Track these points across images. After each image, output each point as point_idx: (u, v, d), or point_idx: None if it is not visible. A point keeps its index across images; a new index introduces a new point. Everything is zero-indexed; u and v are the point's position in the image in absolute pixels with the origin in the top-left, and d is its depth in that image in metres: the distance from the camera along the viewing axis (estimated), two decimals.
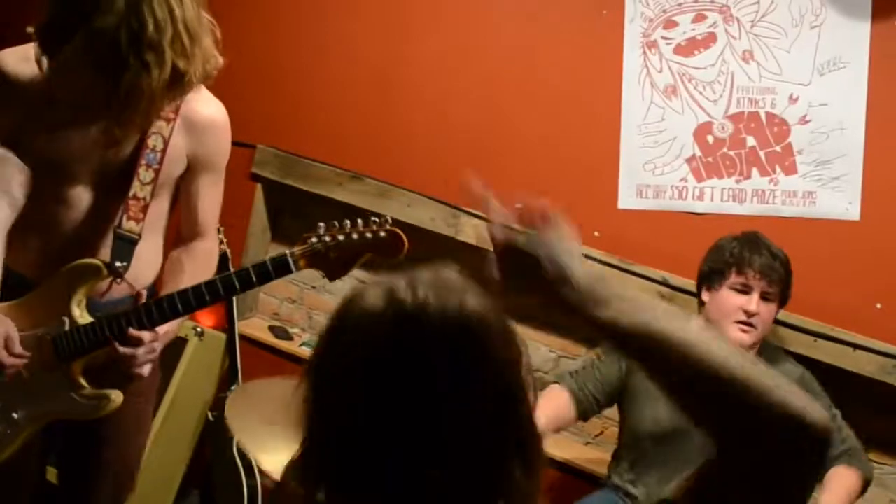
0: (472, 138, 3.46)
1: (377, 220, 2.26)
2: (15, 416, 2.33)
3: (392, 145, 3.57)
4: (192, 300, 2.26)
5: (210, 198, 2.45)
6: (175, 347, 3.52)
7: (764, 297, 2.74)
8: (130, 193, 2.27)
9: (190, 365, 3.63)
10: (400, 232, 2.26)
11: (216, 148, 2.42)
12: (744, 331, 2.75)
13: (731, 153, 3.18)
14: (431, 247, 3.59)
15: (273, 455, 2.19)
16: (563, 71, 3.33)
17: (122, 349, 2.24)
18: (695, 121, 3.21)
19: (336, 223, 2.28)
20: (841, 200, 3.09)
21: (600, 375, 2.94)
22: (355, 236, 2.25)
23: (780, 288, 2.74)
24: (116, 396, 2.34)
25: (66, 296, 2.28)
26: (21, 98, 2.19)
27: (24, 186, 2.25)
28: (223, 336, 3.69)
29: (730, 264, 2.78)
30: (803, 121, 3.11)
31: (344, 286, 3.83)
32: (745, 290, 2.75)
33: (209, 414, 3.66)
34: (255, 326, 3.90)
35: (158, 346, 2.30)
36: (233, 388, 3.60)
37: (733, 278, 2.76)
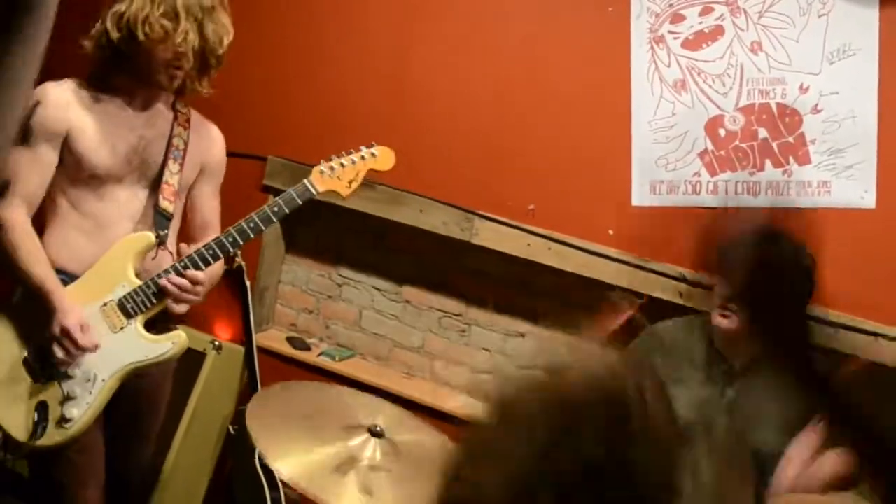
0: (482, 140, 3.46)
1: (368, 146, 2.83)
2: (96, 375, 2.64)
3: (402, 151, 3.55)
4: (236, 237, 2.66)
5: (216, 201, 2.91)
6: (193, 362, 3.53)
7: None
8: (164, 179, 2.71)
9: (209, 379, 3.63)
10: (389, 148, 2.85)
11: (220, 159, 2.90)
12: (722, 315, 2.73)
13: (744, 145, 3.17)
14: (446, 251, 3.59)
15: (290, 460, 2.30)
16: (572, 69, 3.32)
17: (176, 282, 2.62)
18: (706, 114, 3.19)
19: (334, 155, 2.78)
20: (856, 189, 3.07)
21: None
22: (356, 158, 2.81)
23: None
24: (183, 331, 2.73)
25: (122, 266, 2.66)
26: (66, 121, 2.59)
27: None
28: (241, 349, 3.69)
29: None
30: (815, 110, 3.09)
31: (360, 295, 3.85)
32: None
33: (230, 427, 3.66)
34: (272, 338, 3.90)
35: (203, 288, 2.68)
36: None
37: None
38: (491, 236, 3.43)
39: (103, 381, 2.65)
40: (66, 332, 2.56)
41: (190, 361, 3.32)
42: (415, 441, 2.46)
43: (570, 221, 3.34)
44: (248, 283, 3.70)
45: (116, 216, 2.69)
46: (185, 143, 2.75)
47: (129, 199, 2.70)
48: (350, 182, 2.80)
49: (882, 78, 3.01)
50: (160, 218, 2.72)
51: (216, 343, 3.66)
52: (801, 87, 3.10)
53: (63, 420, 2.61)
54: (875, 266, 3.06)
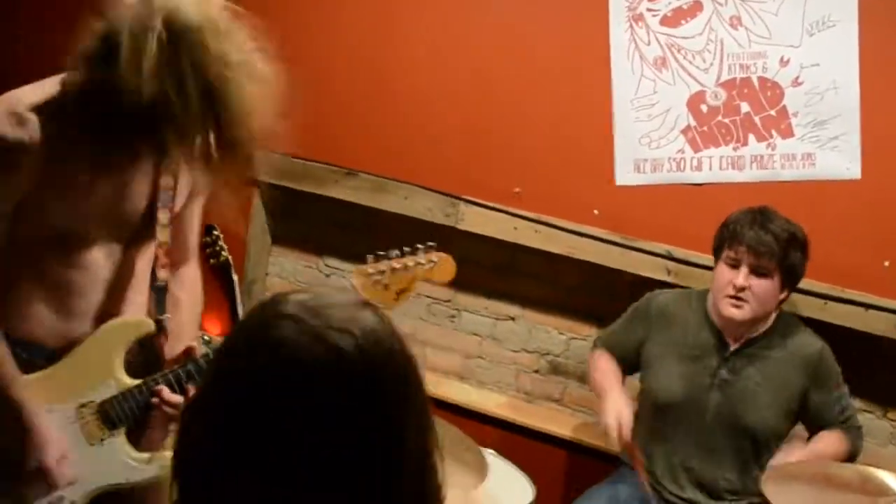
0: (464, 125, 3.44)
1: (424, 247, 2.35)
2: (63, 496, 2.13)
3: (384, 138, 3.55)
4: None
5: (198, 221, 2.38)
6: None
7: (755, 271, 2.71)
8: (158, 241, 2.16)
9: None
10: (449, 256, 2.38)
11: None
12: (734, 305, 2.74)
13: (727, 121, 3.16)
14: (432, 237, 3.57)
15: None
16: (552, 50, 3.31)
17: (172, 401, 2.13)
18: (687, 91, 3.17)
19: (385, 254, 2.32)
20: (840, 160, 3.06)
21: (625, 339, 3.02)
22: (410, 263, 2.32)
23: (773, 262, 2.70)
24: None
25: (108, 357, 2.15)
26: (24, 164, 1.94)
27: None
28: None
29: (725, 239, 2.78)
30: (796, 83, 3.08)
31: (348, 285, 3.83)
32: (735, 264, 2.74)
33: None
34: None
35: None
36: None
37: (726, 253, 2.77)
38: (477, 221, 3.41)
39: (72, 502, 2.15)
40: (45, 470, 2.05)
41: None
42: None
43: (555, 203, 3.33)
44: (235, 277, 3.69)
45: (96, 284, 2.13)
46: (176, 178, 2.14)
47: (108, 265, 2.14)
48: (399, 293, 2.32)
49: (862, 48, 3.00)
50: (158, 294, 2.21)
51: (206, 338, 3.64)
52: (781, 61, 3.08)
53: None
54: (863, 237, 3.07)
